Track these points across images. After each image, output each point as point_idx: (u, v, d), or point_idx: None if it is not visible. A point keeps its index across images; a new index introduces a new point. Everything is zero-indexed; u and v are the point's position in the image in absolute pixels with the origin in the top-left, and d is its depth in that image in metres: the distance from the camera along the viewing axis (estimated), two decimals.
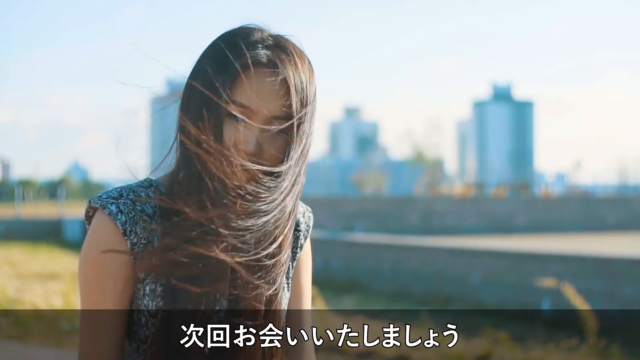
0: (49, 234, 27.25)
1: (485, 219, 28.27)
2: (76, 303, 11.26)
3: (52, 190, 64.24)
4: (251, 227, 1.67)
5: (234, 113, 1.69)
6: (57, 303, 11.36)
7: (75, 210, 37.07)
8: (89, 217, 1.77)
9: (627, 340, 9.35)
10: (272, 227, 1.71)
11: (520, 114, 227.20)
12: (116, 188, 1.76)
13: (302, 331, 1.94)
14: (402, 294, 13.73)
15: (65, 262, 19.35)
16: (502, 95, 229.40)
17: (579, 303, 8.34)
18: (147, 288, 1.72)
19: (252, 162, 1.71)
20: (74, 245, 25.10)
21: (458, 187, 57.22)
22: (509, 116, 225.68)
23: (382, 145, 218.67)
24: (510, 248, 13.82)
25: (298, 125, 1.72)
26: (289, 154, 1.72)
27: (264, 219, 1.69)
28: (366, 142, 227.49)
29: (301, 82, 1.73)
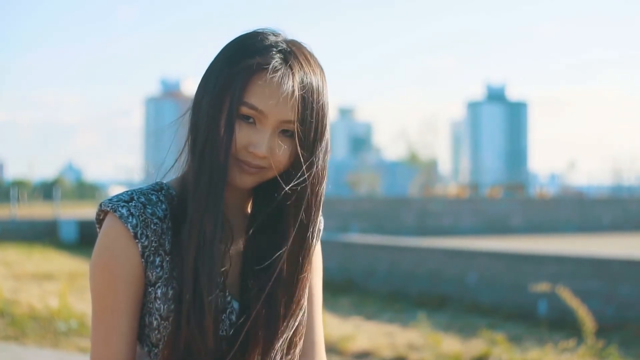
0: (44, 234, 27.17)
1: (481, 219, 28.25)
2: (72, 303, 11.25)
3: (46, 190, 64.07)
4: None
5: (245, 115, 1.70)
6: (53, 304, 11.34)
7: (70, 211, 37.02)
8: (99, 221, 1.77)
9: (625, 341, 9.38)
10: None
11: (515, 114, 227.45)
12: (127, 191, 1.77)
13: (313, 334, 1.94)
14: (398, 295, 13.73)
15: (61, 263, 19.32)
16: (496, 95, 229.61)
17: (575, 304, 8.35)
18: (159, 291, 1.73)
19: (262, 166, 1.72)
20: (69, 246, 25.06)
21: (453, 187, 57.21)
22: (503, 116, 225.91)
23: (376, 146, 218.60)
24: (506, 249, 13.82)
25: (309, 131, 1.73)
26: (301, 162, 1.73)
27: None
28: (360, 142, 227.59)
29: (313, 88, 1.74)
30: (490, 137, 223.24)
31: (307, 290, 1.81)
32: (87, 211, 37.33)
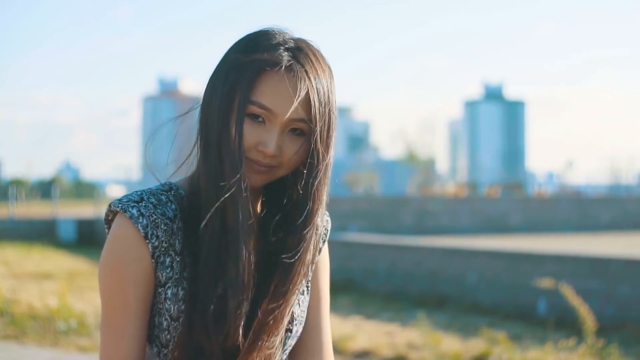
0: (42, 233, 27.13)
1: (479, 218, 28.28)
2: (72, 303, 11.24)
3: (44, 189, 64.08)
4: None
5: (254, 114, 1.69)
6: (53, 303, 11.33)
7: (68, 210, 36.99)
8: (108, 221, 1.75)
9: (625, 340, 9.38)
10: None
11: (512, 114, 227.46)
12: (136, 192, 1.76)
13: (321, 334, 1.94)
14: (397, 294, 13.73)
15: (60, 262, 19.31)
16: (493, 94, 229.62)
17: (576, 303, 8.35)
18: (169, 292, 1.72)
19: (272, 165, 1.71)
20: (68, 245, 25.05)
21: (451, 186, 57.28)
22: (500, 116, 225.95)
23: (373, 145, 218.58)
24: (506, 248, 13.82)
25: (321, 129, 1.72)
26: (311, 161, 1.73)
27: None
28: (358, 141, 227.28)
29: (321, 86, 1.73)
30: (488, 136, 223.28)
31: (308, 290, 1.82)
32: (85, 210, 37.32)
